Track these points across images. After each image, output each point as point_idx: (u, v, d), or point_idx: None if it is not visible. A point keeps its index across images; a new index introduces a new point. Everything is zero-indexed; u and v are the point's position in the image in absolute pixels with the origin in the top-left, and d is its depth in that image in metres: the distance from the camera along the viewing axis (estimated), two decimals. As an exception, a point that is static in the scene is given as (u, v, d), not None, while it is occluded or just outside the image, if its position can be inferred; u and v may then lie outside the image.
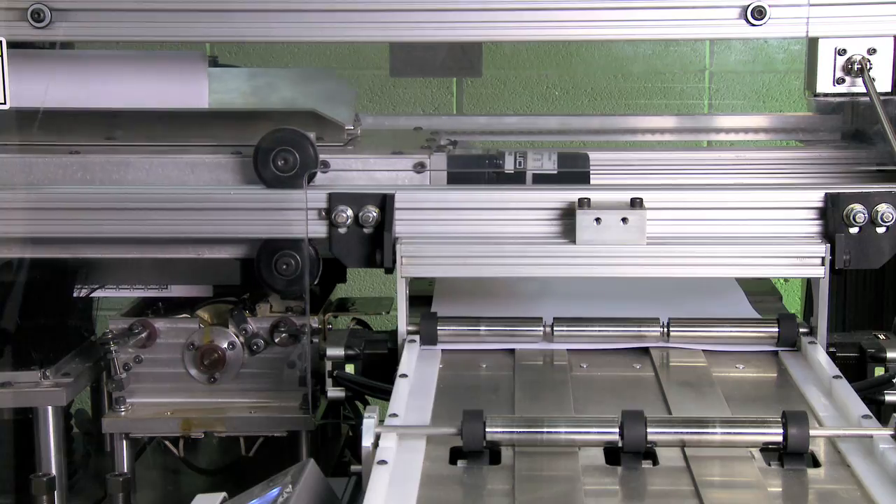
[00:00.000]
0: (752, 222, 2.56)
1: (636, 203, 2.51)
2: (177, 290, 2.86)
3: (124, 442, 2.78)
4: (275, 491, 2.07)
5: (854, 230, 2.52)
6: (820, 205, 2.54)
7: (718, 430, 2.01)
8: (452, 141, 2.94)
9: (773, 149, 3.21)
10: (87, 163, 2.70)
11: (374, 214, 2.55)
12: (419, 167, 2.69)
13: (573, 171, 2.73)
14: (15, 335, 2.82)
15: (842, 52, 2.58)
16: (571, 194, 2.55)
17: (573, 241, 2.52)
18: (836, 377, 2.29)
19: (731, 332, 2.56)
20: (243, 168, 2.67)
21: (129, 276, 2.87)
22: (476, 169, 2.73)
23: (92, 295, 2.91)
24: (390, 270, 2.55)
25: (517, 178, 2.72)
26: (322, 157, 2.65)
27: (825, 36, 2.58)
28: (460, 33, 2.66)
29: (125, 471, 2.76)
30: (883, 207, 2.50)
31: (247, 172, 2.66)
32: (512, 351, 2.56)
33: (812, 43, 2.61)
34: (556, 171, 2.71)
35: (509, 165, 2.71)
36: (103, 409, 2.93)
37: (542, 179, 2.72)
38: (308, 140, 2.60)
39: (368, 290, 4.62)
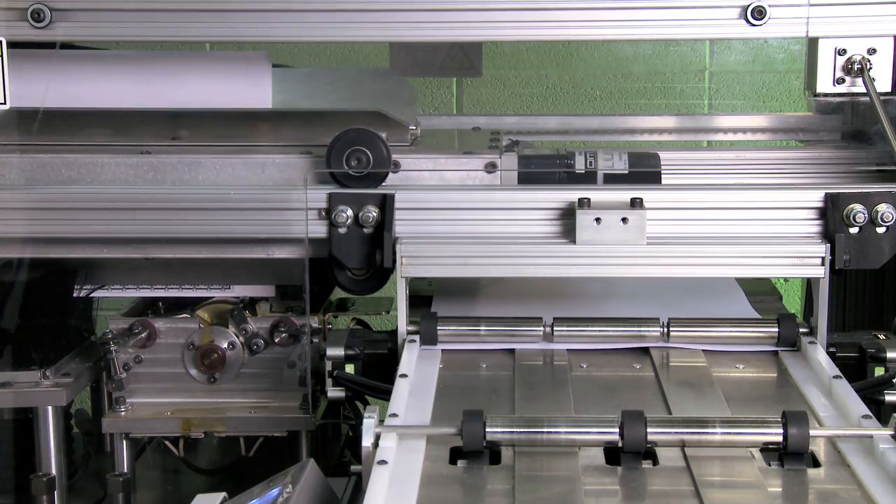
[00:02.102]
0: (752, 222, 2.56)
1: (636, 203, 2.51)
2: (239, 290, 2.87)
3: (124, 442, 2.78)
4: (275, 491, 2.07)
5: (854, 230, 2.52)
6: (820, 205, 2.54)
7: (718, 430, 2.01)
8: (514, 141, 2.92)
9: (773, 149, 3.20)
10: (158, 163, 2.70)
11: (374, 214, 2.55)
12: (490, 167, 2.68)
13: (644, 170, 2.72)
14: (15, 335, 2.82)
15: (842, 52, 2.58)
16: (571, 194, 2.55)
17: (573, 241, 2.52)
18: (836, 377, 2.29)
19: (731, 332, 2.56)
20: (314, 168, 2.67)
21: (135, 276, 2.87)
22: (547, 169, 2.72)
23: (112, 295, 2.91)
24: (390, 270, 2.55)
25: (588, 178, 2.71)
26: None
27: (825, 36, 2.58)
28: (460, 33, 2.66)
29: (125, 471, 2.76)
30: (883, 207, 2.50)
31: (317, 172, 2.66)
32: (512, 351, 2.56)
33: (812, 43, 2.61)
34: (626, 171, 2.71)
35: (580, 165, 2.70)
36: (103, 409, 2.93)
37: (612, 179, 2.71)
38: (381, 140, 2.59)
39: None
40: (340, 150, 2.58)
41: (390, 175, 2.63)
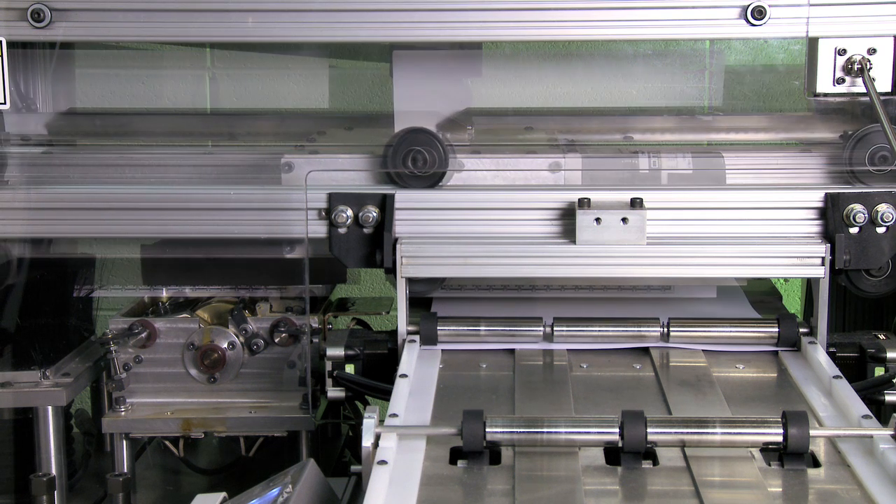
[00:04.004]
0: (752, 222, 2.56)
1: (636, 203, 2.51)
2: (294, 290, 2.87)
3: (124, 442, 2.78)
4: (275, 491, 2.07)
5: (854, 230, 2.52)
6: (820, 205, 2.54)
7: (718, 430, 2.01)
8: (571, 141, 2.91)
9: (773, 149, 3.20)
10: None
11: (374, 214, 2.55)
12: (555, 166, 2.68)
13: (708, 170, 2.71)
14: (15, 335, 2.82)
15: (842, 52, 2.58)
16: (571, 194, 2.55)
17: (573, 241, 2.52)
18: (836, 377, 2.29)
19: (731, 332, 2.56)
20: (374, 167, 2.67)
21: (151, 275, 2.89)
22: (611, 169, 2.72)
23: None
24: (390, 270, 2.55)
25: (652, 179, 2.71)
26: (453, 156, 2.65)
27: (825, 36, 2.58)
28: (460, 33, 2.65)
29: (125, 471, 2.76)
30: (883, 207, 2.50)
31: (378, 172, 2.67)
32: (512, 351, 2.56)
33: (812, 43, 2.61)
34: (691, 171, 2.70)
35: (644, 165, 2.70)
36: (103, 409, 2.93)
37: (677, 179, 2.71)
38: (438, 140, 2.60)
39: (368, 290, 4.61)
40: (399, 149, 2.59)
41: (453, 175, 2.63)
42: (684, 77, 2.82)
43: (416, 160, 2.58)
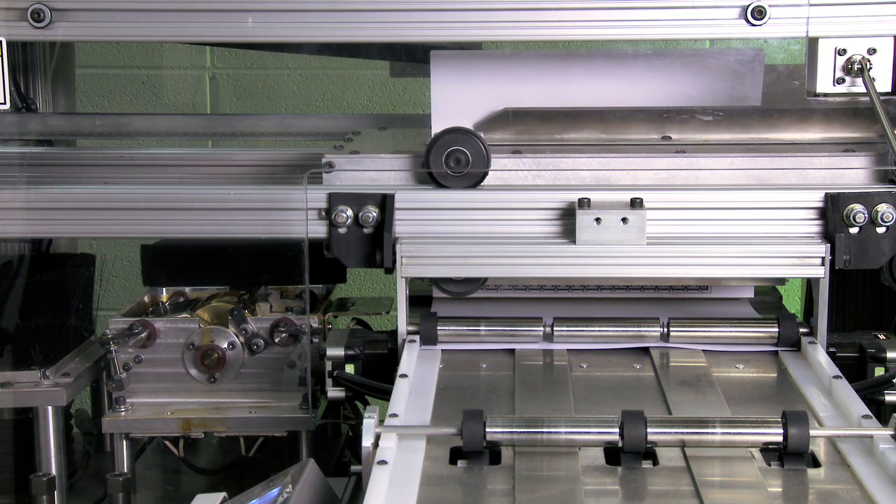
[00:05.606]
0: (752, 222, 2.56)
1: (636, 203, 2.51)
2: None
3: (124, 442, 2.78)
4: (275, 491, 2.07)
5: (854, 230, 2.52)
6: (820, 205, 2.54)
7: (718, 430, 2.01)
8: (609, 141, 2.90)
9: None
10: None
11: (374, 214, 2.55)
12: (597, 166, 2.68)
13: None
14: (15, 335, 2.82)
15: (842, 52, 2.58)
16: (571, 194, 2.55)
17: (573, 241, 2.52)
18: (836, 377, 2.29)
19: (731, 332, 2.56)
20: (413, 166, 2.67)
21: None
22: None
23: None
24: (390, 270, 2.55)
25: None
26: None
27: (825, 36, 2.58)
28: (460, 33, 2.65)
29: (125, 471, 2.76)
30: (883, 207, 2.50)
31: (417, 172, 2.67)
32: (512, 351, 2.56)
33: (812, 43, 2.61)
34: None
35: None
36: (103, 409, 2.93)
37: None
38: (479, 139, 2.60)
39: (368, 290, 4.62)
40: (440, 149, 2.59)
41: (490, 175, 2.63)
42: (728, 77, 2.81)
43: (460, 160, 2.58)
